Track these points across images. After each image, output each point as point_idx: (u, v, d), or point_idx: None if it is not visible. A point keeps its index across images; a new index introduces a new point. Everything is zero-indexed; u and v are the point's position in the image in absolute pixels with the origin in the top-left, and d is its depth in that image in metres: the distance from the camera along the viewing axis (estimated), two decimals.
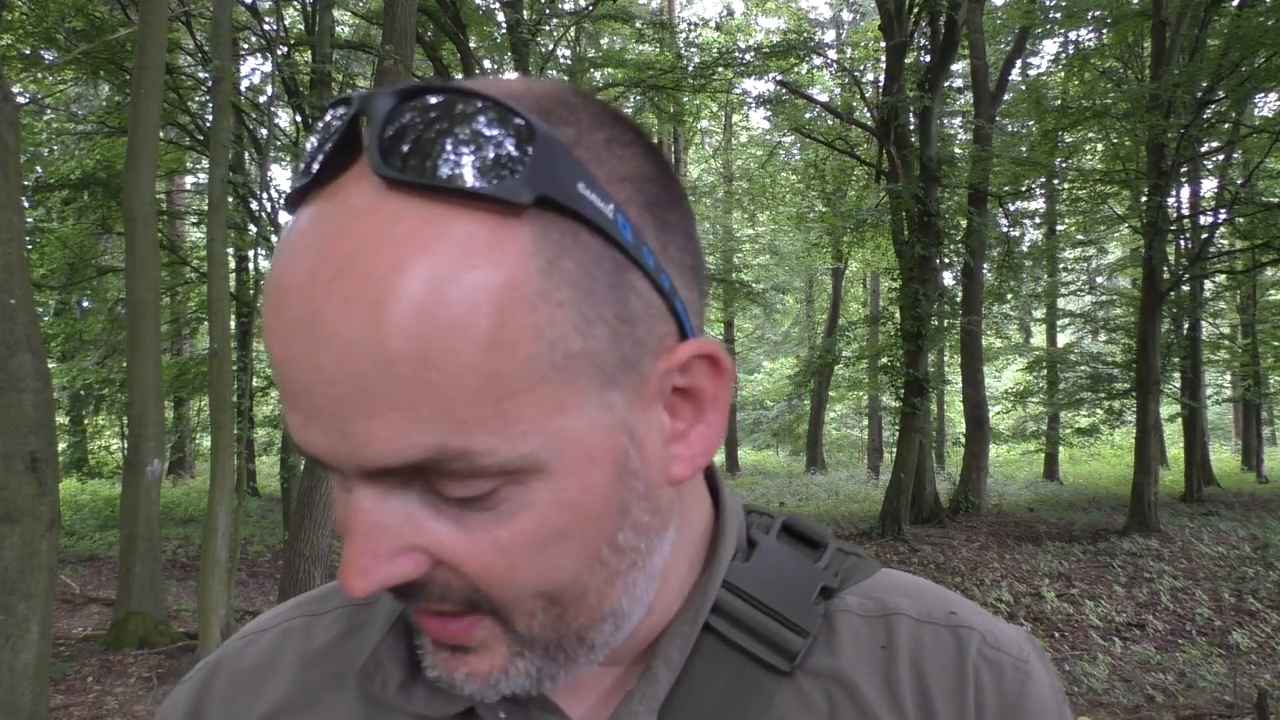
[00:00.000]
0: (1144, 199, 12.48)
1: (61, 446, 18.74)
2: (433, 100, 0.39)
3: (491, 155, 0.39)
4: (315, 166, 0.41)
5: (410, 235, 0.38)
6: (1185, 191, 16.43)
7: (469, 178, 0.38)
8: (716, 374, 0.48)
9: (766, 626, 0.54)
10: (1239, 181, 14.34)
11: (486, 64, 16.25)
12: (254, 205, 13.32)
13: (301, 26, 14.25)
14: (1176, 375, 15.65)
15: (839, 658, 0.54)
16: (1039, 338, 26.08)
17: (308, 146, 0.43)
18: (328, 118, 0.42)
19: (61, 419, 19.06)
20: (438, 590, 0.43)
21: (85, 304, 17.65)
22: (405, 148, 0.38)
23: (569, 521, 0.43)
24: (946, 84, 15.62)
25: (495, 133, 0.39)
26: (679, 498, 0.51)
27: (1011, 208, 17.51)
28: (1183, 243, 14.61)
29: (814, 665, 0.54)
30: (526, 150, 0.39)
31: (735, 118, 25.23)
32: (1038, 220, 20.60)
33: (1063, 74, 17.30)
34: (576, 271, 0.41)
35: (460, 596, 0.44)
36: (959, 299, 14.98)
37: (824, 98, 19.38)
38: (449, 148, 0.38)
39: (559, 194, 0.40)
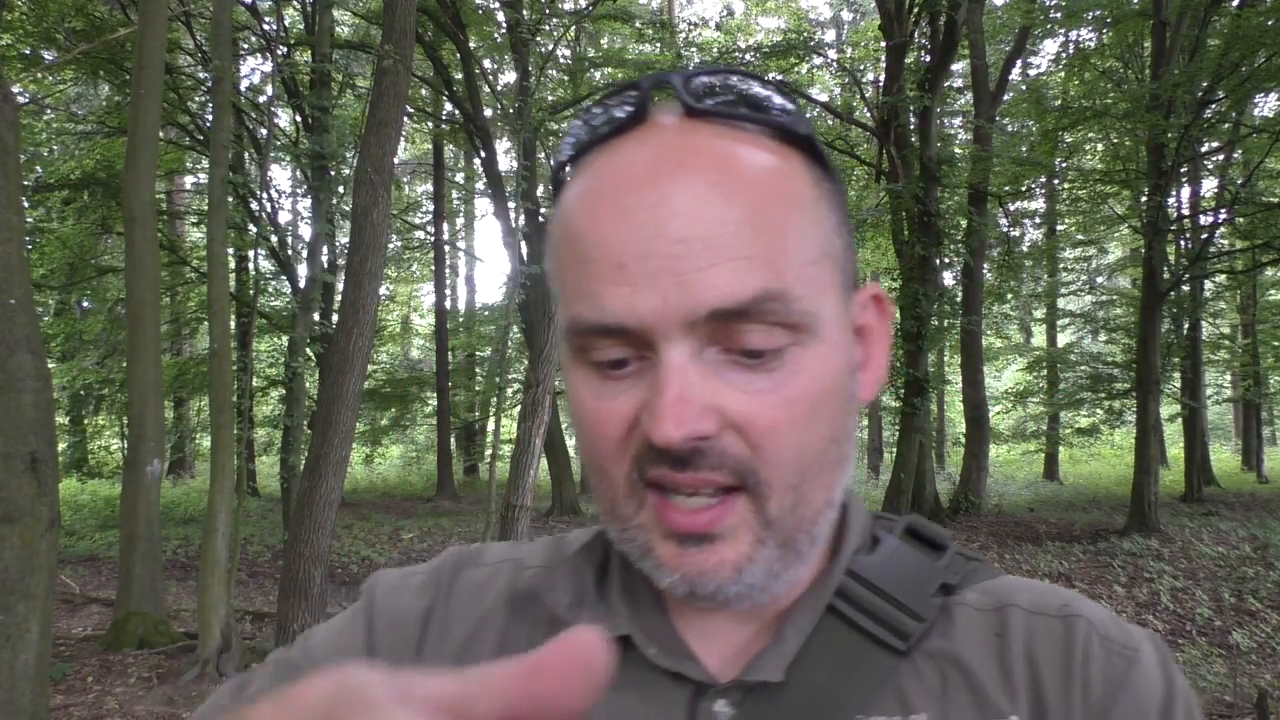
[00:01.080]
0: (1144, 199, 12.48)
1: (61, 446, 18.75)
2: (715, 75, 0.56)
3: (776, 101, 0.55)
4: (614, 119, 0.56)
5: (727, 142, 0.53)
6: (1185, 191, 16.42)
7: (763, 116, 0.54)
8: (882, 314, 0.62)
9: (885, 611, 0.59)
10: (1239, 181, 14.34)
11: (486, 64, 16.25)
12: (254, 205, 13.31)
13: (301, 26, 14.25)
14: (1176, 375, 15.65)
15: (954, 641, 0.59)
16: (1039, 338, 26.07)
17: (593, 117, 0.57)
18: (614, 97, 0.57)
19: (61, 419, 19.06)
20: (715, 456, 0.51)
21: (85, 304, 17.65)
22: (706, 95, 0.54)
23: (828, 389, 0.54)
24: (946, 84, 15.62)
25: (769, 91, 0.56)
26: None
27: (1011, 208, 17.51)
28: (1183, 243, 14.61)
29: (929, 647, 0.59)
30: (795, 101, 0.56)
31: None
32: (1038, 220, 20.61)
33: (1063, 74, 17.30)
34: (831, 195, 0.57)
35: (734, 464, 0.52)
36: (959, 299, 14.98)
37: (824, 98, 19.39)
38: (740, 93, 0.55)
39: (816, 140, 0.56)
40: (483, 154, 14.63)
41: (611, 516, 0.57)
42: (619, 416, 0.54)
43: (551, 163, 0.62)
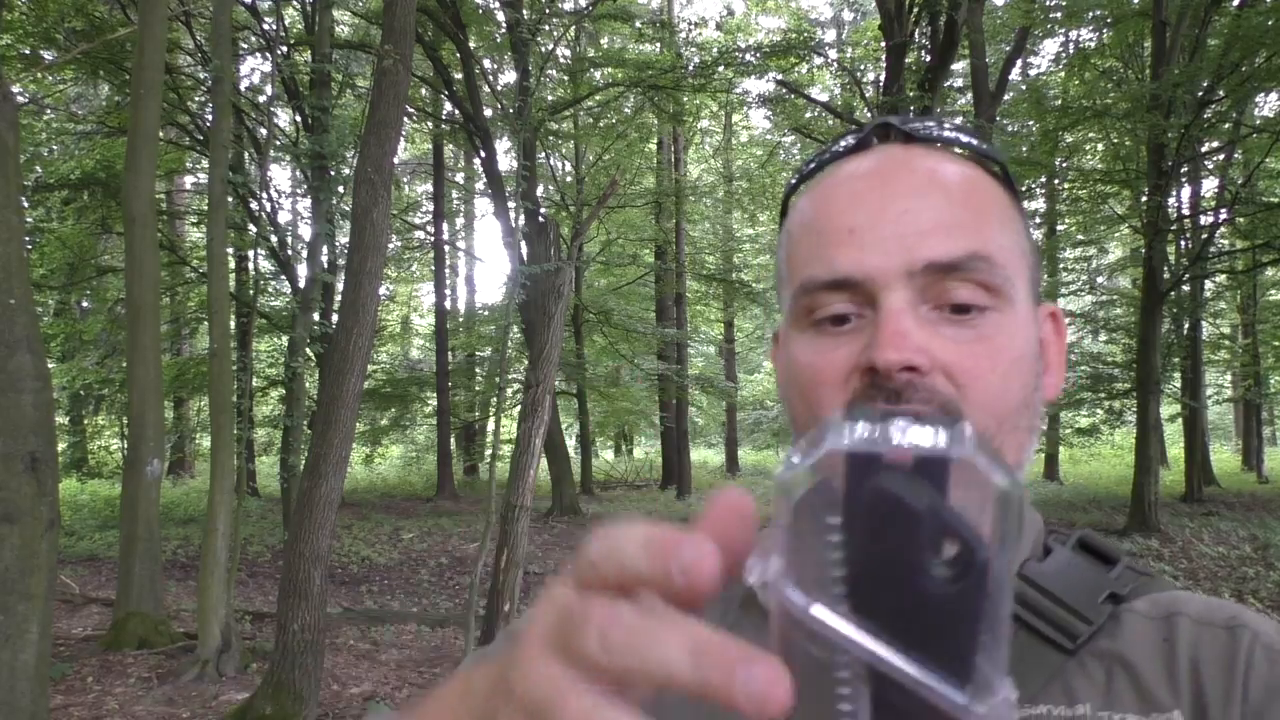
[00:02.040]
0: (1144, 199, 12.48)
1: (61, 446, 18.75)
2: (925, 118, 0.69)
3: (974, 135, 0.68)
4: (839, 149, 0.70)
5: (939, 156, 0.66)
6: (1185, 191, 16.42)
7: (966, 139, 0.67)
8: (1059, 331, 0.74)
9: (1054, 613, 0.63)
10: (1239, 181, 14.33)
11: (486, 64, 16.25)
12: (254, 205, 13.31)
13: (301, 26, 14.25)
14: (1177, 375, 15.65)
15: (1121, 643, 0.63)
16: None
17: (821, 151, 0.72)
18: (843, 141, 0.70)
19: (61, 419, 19.05)
20: (926, 391, 0.58)
21: (85, 304, 17.65)
22: (919, 128, 0.67)
23: (1022, 355, 0.62)
24: (946, 84, 15.61)
25: (967, 128, 0.69)
26: None
27: None
28: (1183, 243, 14.61)
29: (1096, 648, 0.63)
30: (989, 138, 0.70)
31: (735, 117, 25.22)
32: (1038, 220, 20.59)
33: (1063, 74, 17.29)
34: (1021, 212, 0.68)
35: (942, 401, 0.58)
36: None
37: (824, 98, 19.39)
38: (948, 129, 0.67)
39: (1008, 168, 0.68)
40: (483, 154, 14.62)
41: None
42: (840, 362, 0.62)
43: (790, 182, 0.76)
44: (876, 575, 0.31)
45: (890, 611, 0.31)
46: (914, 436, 0.33)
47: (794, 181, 0.74)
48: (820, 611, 0.31)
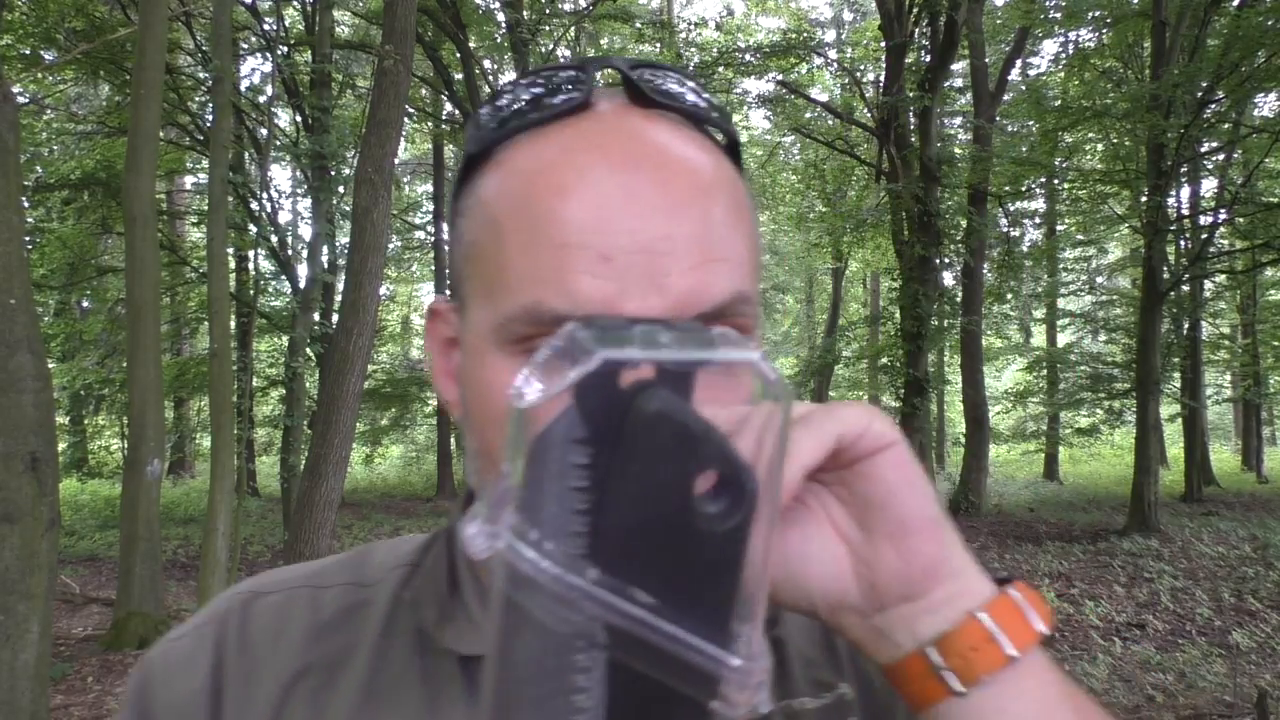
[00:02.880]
0: (1144, 199, 12.48)
1: (61, 446, 18.74)
2: (656, 70, 0.56)
3: (706, 101, 0.56)
4: (554, 105, 0.53)
5: (687, 142, 0.54)
6: (1185, 191, 16.42)
7: (705, 104, 0.56)
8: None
9: None
10: (1239, 181, 14.33)
11: (487, 64, 16.25)
12: (254, 205, 13.31)
13: (301, 26, 14.25)
14: (1176, 375, 15.64)
15: (783, 630, 0.62)
16: (1039, 338, 26.06)
17: (527, 93, 0.55)
18: (556, 77, 0.55)
19: (61, 419, 19.05)
20: None
21: (85, 304, 17.65)
22: (655, 92, 0.54)
23: None
24: (946, 84, 15.62)
25: (702, 92, 0.57)
26: None
27: (1011, 208, 17.50)
28: (1183, 243, 14.60)
29: (770, 636, 0.60)
30: (724, 109, 0.57)
31: (735, 117, 25.21)
32: (1038, 220, 20.60)
33: (1063, 74, 17.29)
34: (749, 194, 0.58)
35: None
36: (959, 299, 14.98)
37: (824, 98, 19.39)
38: (685, 88, 0.56)
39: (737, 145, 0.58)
40: None
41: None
42: None
43: (475, 122, 0.58)
44: (633, 519, 0.28)
45: (647, 560, 0.28)
46: (678, 347, 0.29)
47: (485, 131, 0.56)
48: (558, 567, 0.27)
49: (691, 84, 0.57)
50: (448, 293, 0.61)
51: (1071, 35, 17.40)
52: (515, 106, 0.55)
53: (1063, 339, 23.23)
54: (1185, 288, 14.68)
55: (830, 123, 17.82)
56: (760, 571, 0.30)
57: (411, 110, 16.11)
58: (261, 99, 13.74)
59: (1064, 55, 17.33)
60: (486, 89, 15.23)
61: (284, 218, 15.12)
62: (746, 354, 0.30)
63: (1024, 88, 17.25)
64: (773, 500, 0.29)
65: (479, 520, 0.29)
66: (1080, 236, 19.63)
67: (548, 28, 15.27)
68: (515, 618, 0.28)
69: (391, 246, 17.92)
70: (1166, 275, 12.33)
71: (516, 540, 0.28)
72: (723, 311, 0.51)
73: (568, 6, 15.87)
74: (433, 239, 20.48)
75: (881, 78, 16.89)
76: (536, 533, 0.28)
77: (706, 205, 0.52)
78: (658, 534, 0.28)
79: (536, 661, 0.28)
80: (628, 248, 0.49)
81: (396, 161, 9.26)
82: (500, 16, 14.81)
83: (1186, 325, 15.46)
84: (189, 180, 18.13)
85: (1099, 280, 22.11)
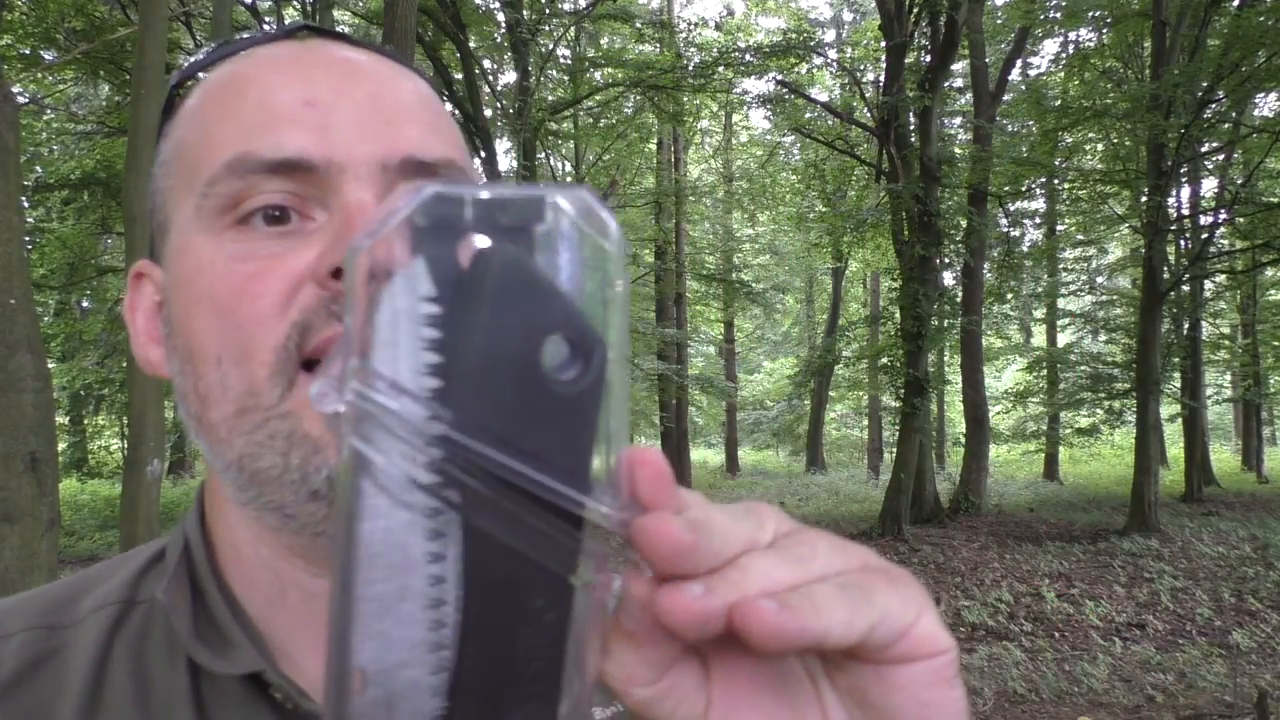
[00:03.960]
0: (1144, 199, 12.48)
1: (61, 446, 18.74)
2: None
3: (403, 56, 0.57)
4: (265, 35, 0.55)
5: (375, 57, 0.55)
6: (1185, 191, 16.43)
7: (404, 58, 0.57)
8: None
9: None
10: (1239, 181, 14.33)
11: (486, 64, 16.25)
12: None
13: None
14: (1176, 375, 15.64)
15: None
16: (1039, 338, 26.07)
17: (259, 34, 0.56)
18: (284, 25, 0.56)
19: (61, 419, 19.05)
20: None
21: (85, 304, 17.65)
22: (345, 35, 0.56)
23: None
24: (946, 84, 15.62)
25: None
26: None
27: (1011, 208, 17.51)
28: (1183, 243, 14.61)
29: None
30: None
31: (735, 118, 25.22)
32: (1038, 220, 20.61)
33: (1063, 74, 17.30)
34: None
35: None
36: (959, 299, 14.98)
37: (824, 98, 19.39)
38: (377, 45, 0.56)
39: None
40: (483, 154, 14.61)
41: (239, 417, 0.47)
42: (284, 270, 0.46)
43: (183, 65, 0.59)
44: (486, 367, 0.26)
45: (500, 412, 0.26)
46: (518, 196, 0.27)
47: (193, 64, 0.56)
48: (416, 409, 0.26)
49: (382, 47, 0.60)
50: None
51: (1071, 35, 17.41)
52: (222, 46, 0.56)
53: (1063, 339, 23.23)
54: (1185, 288, 14.68)
55: (830, 123, 17.82)
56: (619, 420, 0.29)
57: None
58: None
59: (1064, 55, 17.34)
60: (486, 89, 15.24)
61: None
62: (580, 190, 0.28)
63: (1024, 88, 17.26)
64: (621, 374, 0.28)
65: (321, 379, 0.27)
66: (1080, 236, 19.64)
67: (548, 28, 15.27)
68: (364, 489, 0.27)
69: None
70: (1166, 275, 12.33)
71: (366, 388, 0.26)
72: (435, 169, 0.50)
73: (568, 6, 15.87)
74: None
75: (881, 78, 16.89)
76: (385, 382, 0.26)
77: (411, 88, 0.53)
78: (509, 387, 0.27)
79: (387, 534, 0.26)
80: (332, 97, 0.49)
81: None
82: (500, 16, 14.81)
83: (1186, 325, 15.46)
84: None
85: (1099, 280, 22.11)
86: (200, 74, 0.55)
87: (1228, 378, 23.38)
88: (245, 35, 0.56)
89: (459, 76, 14.44)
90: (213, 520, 0.54)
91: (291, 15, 14.65)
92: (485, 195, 0.27)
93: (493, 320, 0.26)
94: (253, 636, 0.50)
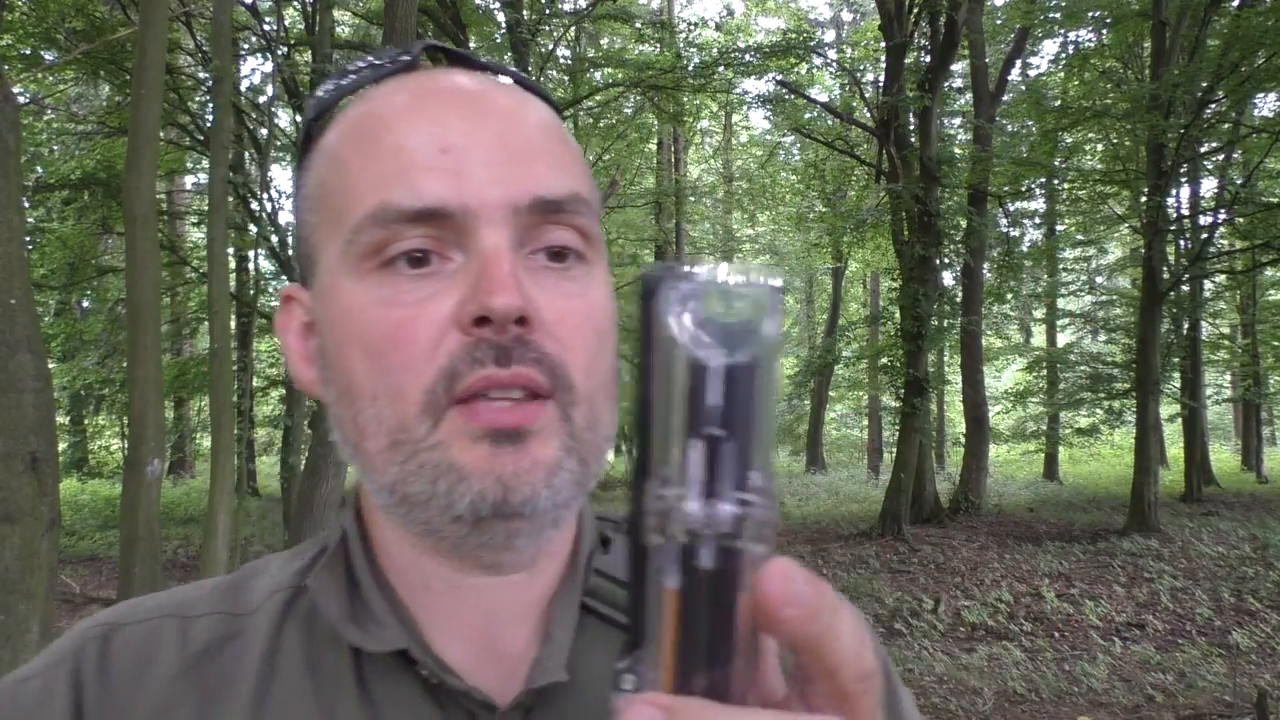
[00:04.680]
0: (1144, 199, 12.48)
1: (62, 446, 18.73)
2: (468, 53, 0.61)
3: (522, 76, 0.61)
4: (384, 66, 0.58)
5: (513, 86, 0.58)
6: (1185, 191, 16.42)
7: (518, 74, 0.61)
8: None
9: None
10: (1239, 181, 14.33)
11: None
12: (254, 205, 13.31)
13: (301, 26, 14.24)
14: (1176, 375, 15.64)
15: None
16: (1039, 338, 26.07)
17: (352, 69, 0.60)
18: (386, 54, 0.59)
19: (61, 419, 19.05)
20: (535, 350, 0.50)
21: (85, 304, 17.65)
22: (471, 57, 0.60)
23: (611, 315, 0.56)
24: (946, 84, 15.62)
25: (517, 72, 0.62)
26: None
27: (1011, 208, 17.50)
28: (1183, 243, 14.60)
29: None
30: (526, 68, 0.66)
31: (735, 118, 25.22)
32: (1038, 220, 20.60)
33: (1063, 74, 17.29)
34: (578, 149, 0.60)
35: (550, 361, 0.51)
36: (959, 299, 14.97)
37: (824, 98, 19.39)
38: (498, 66, 0.60)
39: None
40: None
41: (392, 449, 0.52)
42: (431, 317, 0.50)
43: (312, 99, 0.62)
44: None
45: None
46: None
47: (327, 94, 0.59)
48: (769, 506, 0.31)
49: (504, 66, 0.62)
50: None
51: (1071, 35, 17.40)
52: (348, 76, 0.59)
53: (1063, 339, 23.23)
54: (1185, 288, 14.68)
55: (830, 123, 17.81)
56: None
57: None
58: (262, 99, 13.74)
59: (1064, 55, 17.33)
60: None
61: (284, 218, 15.13)
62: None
63: (1024, 88, 17.26)
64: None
65: (693, 498, 0.31)
66: (1080, 236, 19.64)
67: (548, 28, 15.27)
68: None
69: None
70: (1166, 275, 12.33)
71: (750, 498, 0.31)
72: (563, 206, 0.53)
73: (568, 6, 15.87)
74: None
75: (881, 78, 16.88)
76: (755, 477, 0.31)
77: (537, 121, 0.55)
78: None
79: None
80: (463, 144, 0.51)
81: None
82: (500, 16, 14.81)
83: (1186, 325, 15.46)
84: (189, 180, 18.13)
85: (1099, 280, 22.11)
86: (335, 103, 0.59)
87: (1227, 378, 23.37)
88: (365, 64, 0.59)
89: None
90: (367, 518, 0.61)
91: (291, 15, 14.65)
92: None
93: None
94: (401, 618, 0.56)
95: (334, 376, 0.55)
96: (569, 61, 17.41)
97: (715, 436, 0.31)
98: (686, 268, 0.32)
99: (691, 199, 21.75)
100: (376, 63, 0.58)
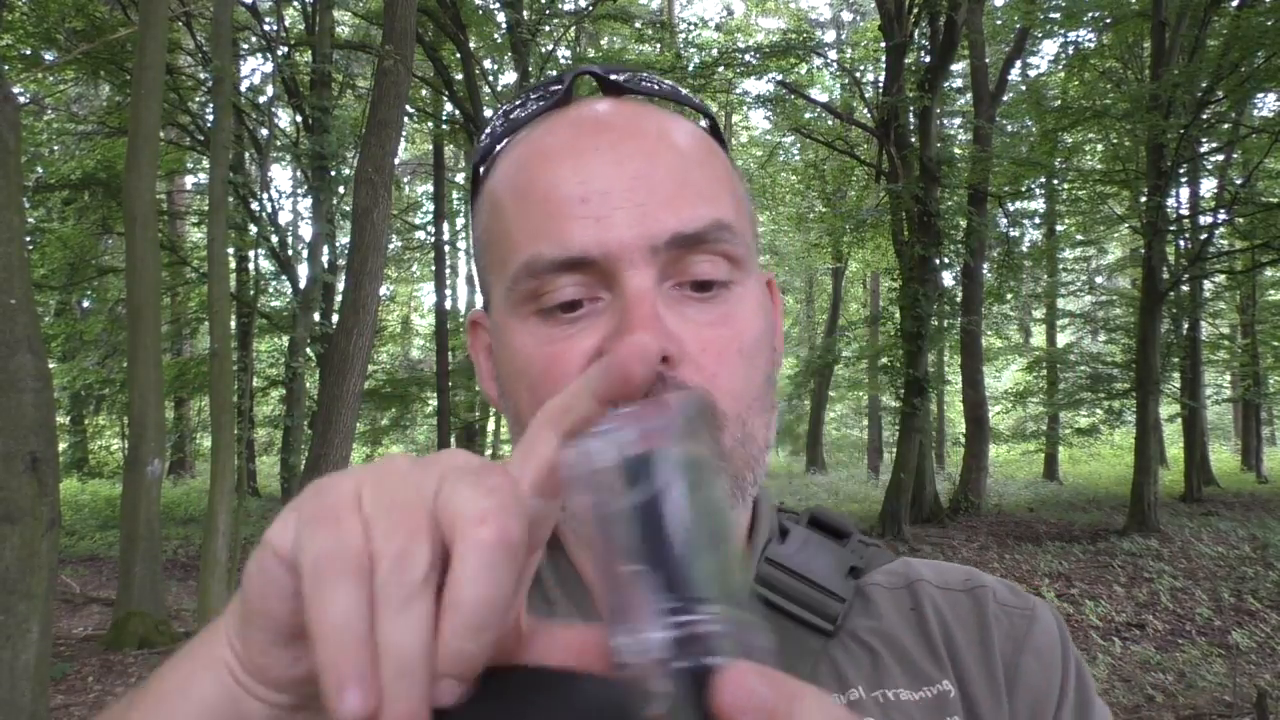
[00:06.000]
0: (1144, 199, 12.48)
1: (62, 446, 18.73)
2: (625, 72, 0.64)
3: (672, 88, 0.65)
4: (539, 105, 0.62)
5: (659, 112, 0.60)
6: (1185, 191, 16.42)
7: (671, 89, 0.65)
8: (776, 301, 0.66)
9: (808, 594, 0.62)
10: (1239, 181, 14.33)
11: (487, 64, 16.25)
12: (254, 205, 13.31)
13: (301, 26, 14.25)
14: (1176, 375, 15.64)
15: (878, 619, 0.63)
16: (1039, 338, 26.06)
17: (514, 109, 0.64)
18: (543, 86, 0.64)
19: (62, 419, 19.05)
20: (675, 384, 0.53)
21: (85, 304, 17.64)
22: (624, 79, 0.62)
23: (762, 330, 0.58)
24: (946, 84, 15.62)
25: (666, 83, 0.65)
26: None
27: (1011, 208, 17.49)
28: (1183, 243, 14.60)
29: (854, 626, 0.62)
30: (696, 101, 0.68)
31: (735, 118, 25.20)
32: (1038, 220, 20.59)
33: (1063, 74, 17.29)
34: (738, 171, 0.63)
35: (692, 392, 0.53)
36: (959, 299, 14.97)
37: (824, 98, 19.39)
38: (651, 80, 0.64)
39: (719, 129, 0.65)
40: None
41: None
42: (578, 354, 0.55)
43: (481, 140, 0.67)
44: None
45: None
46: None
47: (489, 138, 0.64)
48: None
49: (660, 80, 0.65)
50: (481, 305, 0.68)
51: (1071, 35, 17.40)
52: (504, 118, 0.64)
53: (1062, 339, 23.23)
54: (1185, 288, 14.68)
55: (830, 123, 17.81)
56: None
57: (412, 111, 16.10)
58: (262, 99, 13.74)
59: (1064, 55, 17.32)
60: (486, 89, 15.24)
61: (284, 218, 15.13)
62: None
63: (1024, 88, 17.26)
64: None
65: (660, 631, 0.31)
66: (1080, 236, 19.63)
67: (548, 28, 15.26)
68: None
69: (391, 247, 17.93)
70: (1166, 275, 12.33)
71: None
72: (703, 237, 0.55)
73: (568, 6, 15.87)
74: (433, 239, 20.48)
75: (881, 78, 16.88)
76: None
77: (675, 152, 0.57)
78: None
79: None
80: (603, 188, 0.55)
81: (397, 162, 9.26)
82: (500, 17, 14.80)
83: (1186, 325, 15.46)
84: (189, 180, 18.13)
85: (1099, 280, 22.12)
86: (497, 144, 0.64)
87: (1227, 378, 23.36)
88: (521, 101, 0.64)
89: (459, 77, 14.45)
90: None
91: (292, 16, 14.65)
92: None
93: None
94: (578, 603, 0.60)
95: (506, 404, 0.61)
96: (569, 62, 17.40)
97: (634, 572, 0.31)
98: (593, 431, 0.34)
99: None
100: (533, 102, 0.63)
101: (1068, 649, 0.64)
